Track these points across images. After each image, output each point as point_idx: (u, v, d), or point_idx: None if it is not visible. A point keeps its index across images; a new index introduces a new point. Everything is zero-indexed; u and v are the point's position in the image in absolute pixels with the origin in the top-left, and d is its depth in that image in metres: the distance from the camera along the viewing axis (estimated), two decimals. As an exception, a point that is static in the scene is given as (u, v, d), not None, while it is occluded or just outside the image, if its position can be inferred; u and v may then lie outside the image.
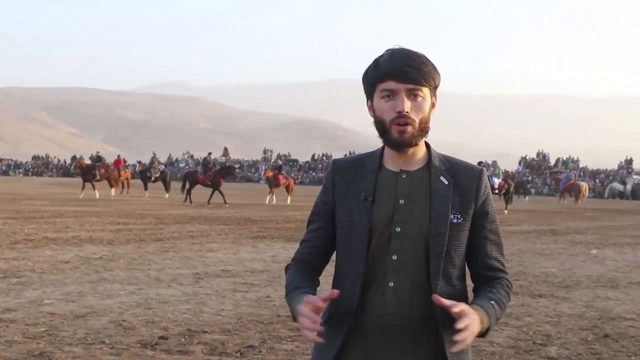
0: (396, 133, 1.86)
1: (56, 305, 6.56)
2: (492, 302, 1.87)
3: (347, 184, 1.95)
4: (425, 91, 1.87)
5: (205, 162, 27.75)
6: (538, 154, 63.17)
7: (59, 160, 74.93)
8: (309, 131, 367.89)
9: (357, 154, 2.14)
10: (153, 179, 31.79)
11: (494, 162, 30.58)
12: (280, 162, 32.39)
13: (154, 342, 5.40)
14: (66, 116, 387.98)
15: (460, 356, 1.90)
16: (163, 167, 47.86)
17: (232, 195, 32.08)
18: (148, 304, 6.78)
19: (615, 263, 11.28)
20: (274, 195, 27.90)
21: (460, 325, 1.74)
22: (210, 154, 30.36)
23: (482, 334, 1.84)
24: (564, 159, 61.04)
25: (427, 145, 1.97)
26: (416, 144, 1.89)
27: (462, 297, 1.91)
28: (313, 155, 71.37)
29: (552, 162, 61.21)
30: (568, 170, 48.77)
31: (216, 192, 25.08)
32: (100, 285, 7.72)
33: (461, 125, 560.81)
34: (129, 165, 49.20)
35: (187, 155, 73.83)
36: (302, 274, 1.99)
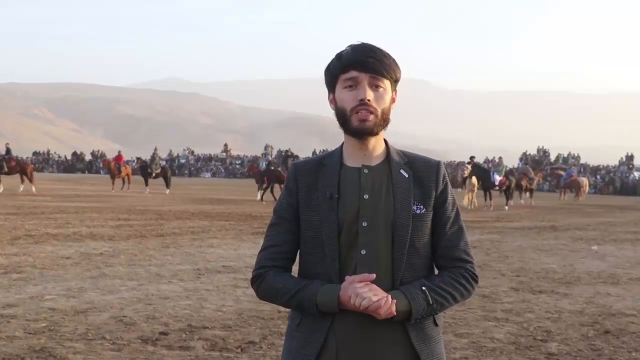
0: (357, 121, 1.89)
1: (57, 301, 6.56)
2: (424, 287, 1.88)
3: (310, 185, 1.96)
4: (387, 83, 1.91)
5: (286, 159, 27.75)
6: (538, 150, 63.15)
7: (59, 157, 74.95)
8: (309, 127, 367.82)
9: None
10: (154, 174, 31.77)
11: (500, 158, 30.71)
12: (269, 159, 32.33)
13: (155, 337, 5.40)
14: (66, 112, 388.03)
15: (428, 345, 1.91)
16: (164, 162, 47.84)
17: (232, 191, 32.10)
18: (149, 299, 6.79)
19: (615, 259, 11.28)
20: (263, 191, 27.79)
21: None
22: (288, 150, 30.43)
23: (405, 317, 1.85)
24: (565, 155, 61.03)
25: (385, 141, 2.00)
26: (377, 133, 1.92)
27: None
28: (314, 151, 71.46)
29: (553, 158, 61.19)
30: (569, 167, 48.75)
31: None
32: (101, 281, 7.72)
33: (461, 122, 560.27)
34: (128, 161, 49.16)
35: (187, 152, 73.83)
36: (290, 276, 1.97)
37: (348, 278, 1.85)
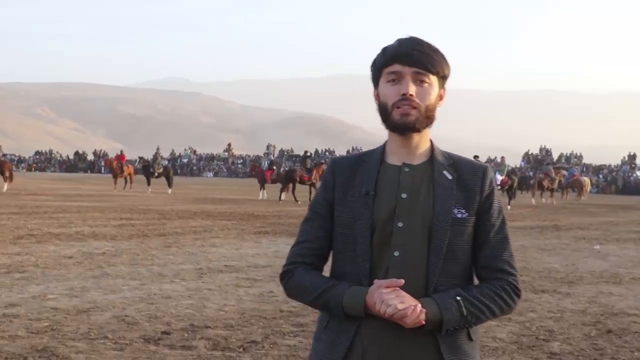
0: (398, 115, 1.81)
1: (59, 301, 6.57)
2: (459, 297, 1.77)
3: (347, 181, 1.88)
4: (433, 79, 1.82)
5: (305, 160, 27.87)
6: (541, 150, 63.09)
7: (61, 156, 75.02)
8: (310, 127, 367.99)
9: (359, 149, 2.07)
10: (156, 174, 31.77)
11: (502, 158, 30.85)
12: (272, 158, 32.75)
13: (157, 337, 5.41)
14: (68, 112, 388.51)
15: (458, 356, 1.80)
16: (166, 162, 47.85)
17: (234, 191, 32.13)
18: (151, 299, 6.79)
19: (618, 259, 11.27)
20: (264, 191, 27.81)
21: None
22: (306, 152, 30.66)
23: (436, 327, 1.75)
24: (567, 154, 60.96)
25: (431, 140, 1.91)
26: (419, 130, 1.83)
27: None
28: (315, 151, 71.44)
29: (555, 157, 61.14)
30: (571, 166, 48.72)
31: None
32: (103, 280, 7.73)
33: (463, 121, 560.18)
34: (130, 160, 49.19)
35: (189, 151, 73.88)
36: (319, 274, 1.89)
37: (376, 282, 1.76)
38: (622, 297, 7.80)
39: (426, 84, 1.81)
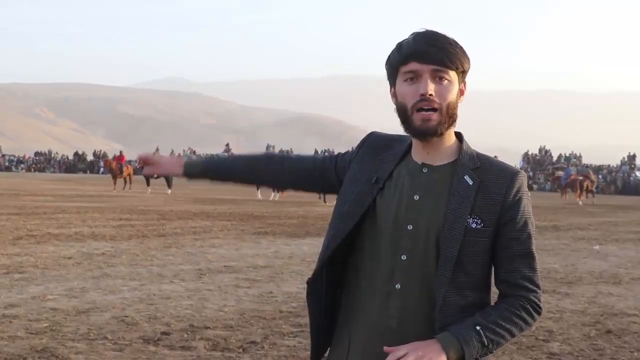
0: (419, 121, 1.70)
1: (59, 301, 6.57)
2: (478, 327, 1.67)
3: (368, 159, 1.83)
4: (452, 75, 1.71)
5: None
6: (540, 150, 63.10)
7: (61, 157, 75.01)
8: (309, 127, 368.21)
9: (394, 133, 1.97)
10: (155, 175, 31.72)
11: (495, 157, 31.25)
12: None
13: (157, 337, 5.41)
14: (68, 112, 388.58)
15: None
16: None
17: (233, 191, 32.10)
18: (150, 299, 6.79)
19: (617, 259, 11.28)
20: (259, 191, 27.82)
21: None
22: (328, 151, 30.71)
23: None
24: (567, 154, 60.97)
25: (461, 139, 1.79)
26: (442, 133, 1.72)
27: (474, 310, 1.72)
28: (315, 151, 71.54)
29: (555, 158, 61.16)
30: (569, 166, 48.74)
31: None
32: (103, 281, 7.73)
33: (463, 121, 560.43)
34: (130, 161, 49.15)
35: (189, 152, 73.89)
36: (254, 157, 2.06)
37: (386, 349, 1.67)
38: (622, 297, 7.81)
39: (446, 81, 1.71)
